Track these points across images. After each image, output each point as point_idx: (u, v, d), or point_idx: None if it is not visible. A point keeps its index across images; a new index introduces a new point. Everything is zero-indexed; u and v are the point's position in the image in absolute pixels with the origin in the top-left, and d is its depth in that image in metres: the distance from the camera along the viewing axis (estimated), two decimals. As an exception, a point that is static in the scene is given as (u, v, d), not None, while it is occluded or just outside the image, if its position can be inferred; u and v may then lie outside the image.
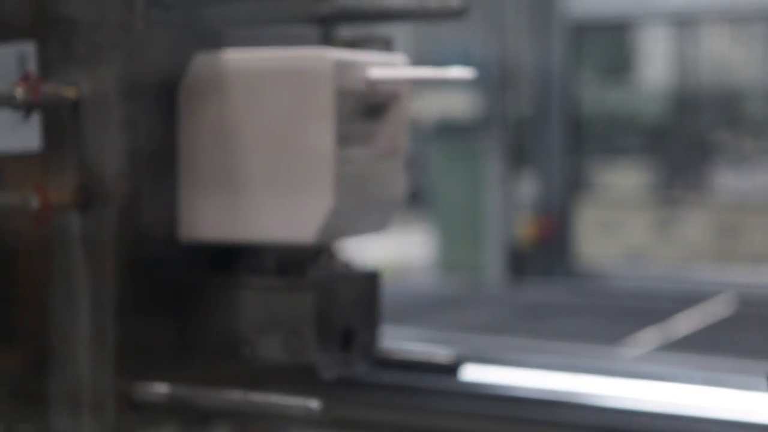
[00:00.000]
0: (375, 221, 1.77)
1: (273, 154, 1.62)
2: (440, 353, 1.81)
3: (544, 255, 8.12)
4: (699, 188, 9.40)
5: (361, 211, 1.71)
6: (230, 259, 1.72)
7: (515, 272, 8.34)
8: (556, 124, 8.23)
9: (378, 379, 1.76)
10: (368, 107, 1.69)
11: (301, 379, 1.67)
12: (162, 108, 1.63)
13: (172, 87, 1.64)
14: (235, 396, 1.59)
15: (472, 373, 1.82)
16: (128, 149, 1.59)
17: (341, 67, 1.61)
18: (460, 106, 9.04)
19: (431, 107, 8.84)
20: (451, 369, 1.82)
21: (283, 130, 1.62)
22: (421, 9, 1.79)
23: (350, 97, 1.64)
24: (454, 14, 1.76)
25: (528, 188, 8.39)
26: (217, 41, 1.66)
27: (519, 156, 8.21)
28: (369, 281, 1.75)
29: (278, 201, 1.63)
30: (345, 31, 1.83)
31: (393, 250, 8.60)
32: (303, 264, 1.69)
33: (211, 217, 1.66)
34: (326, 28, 1.79)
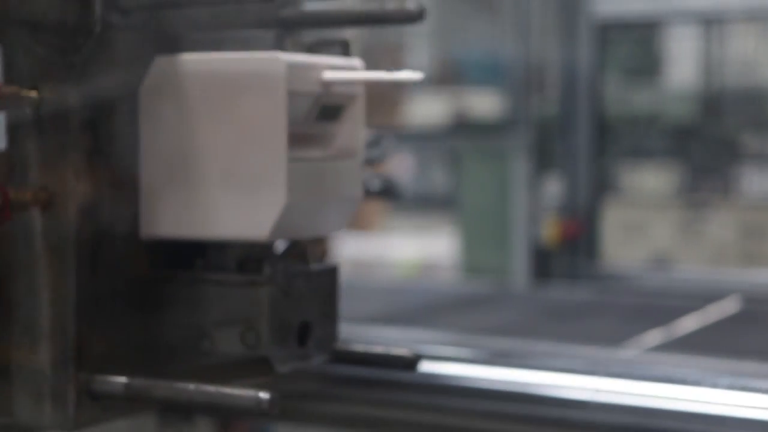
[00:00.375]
0: (332, 220, 1.82)
1: (229, 154, 1.68)
2: (399, 348, 1.86)
3: (570, 256, 8.13)
4: (725, 190, 9.35)
5: (316, 209, 1.76)
6: (193, 257, 1.78)
7: (540, 274, 8.33)
8: (582, 125, 8.23)
9: (332, 373, 1.81)
10: (324, 109, 1.74)
11: (259, 372, 1.73)
12: (122, 109, 1.69)
13: (131, 89, 1.69)
14: (188, 387, 1.64)
15: (430, 368, 1.86)
16: (88, 149, 1.65)
17: (294, 69, 1.67)
18: (485, 106, 9.06)
19: (455, 109, 8.87)
20: (409, 364, 1.86)
21: (237, 130, 1.67)
22: (380, 14, 1.83)
23: (304, 99, 1.70)
24: (412, 18, 1.80)
25: (554, 190, 8.41)
26: (176, 45, 1.71)
27: (545, 157, 8.22)
28: (327, 276, 1.80)
29: (234, 199, 1.68)
30: (308, 35, 1.88)
31: (419, 250, 8.65)
32: (262, 261, 1.74)
33: (171, 215, 1.72)
34: (287, 32, 1.84)
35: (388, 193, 2.12)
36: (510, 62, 8.26)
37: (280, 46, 1.70)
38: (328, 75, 1.71)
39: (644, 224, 8.96)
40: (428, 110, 9.21)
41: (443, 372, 1.92)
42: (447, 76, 10.15)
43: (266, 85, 1.65)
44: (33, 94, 1.64)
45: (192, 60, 1.70)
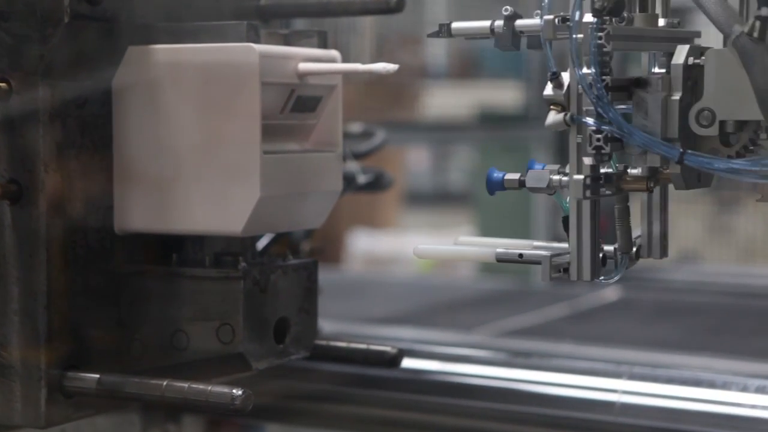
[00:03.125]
0: (310, 214, 1.78)
1: (202, 147, 1.65)
2: (380, 346, 1.83)
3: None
4: (753, 188, 9.23)
5: (293, 203, 1.73)
6: (169, 251, 1.75)
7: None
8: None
9: (311, 369, 1.78)
10: (300, 100, 1.70)
11: (235, 369, 1.70)
12: (92, 101, 1.66)
13: (102, 80, 1.67)
14: (160, 384, 1.61)
15: (412, 365, 1.83)
16: (58, 142, 1.62)
17: (268, 60, 1.63)
18: (506, 99, 8.98)
19: (475, 101, 8.80)
20: (391, 361, 1.83)
21: (211, 122, 1.64)
22: (359, 4, 1.80)
23: (279, 90, 1.67)
24: (391, 10, 1.77)
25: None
26: (148, 36, 1.68)
27: (566, 150, 8.16)
28: (305, 272, 1.77)
29: (207, 193, 1.66)
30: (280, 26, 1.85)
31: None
32: (238, 256, 1.71)
33: (144, 209, 1.69)
34: (263, 23, 1.81)
35: (376, 186, 2.08)
36: (530, 54, 8.18)
37: (255, 37, 1.67)
38: (304, 66, 1.68)
39: (671, 221, 8.87)
40: (448, 103, 9.14)
41: (426, 368, 1.89)
42: (466, 68, 10.07)
43: (239, 76, 1.62)
44: (2, 85, 1.61)
45: (165, 50, 1.67)
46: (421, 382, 1.91)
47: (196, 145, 1.65)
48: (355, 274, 5.84)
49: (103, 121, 1.68)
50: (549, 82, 1.46)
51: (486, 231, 8.86)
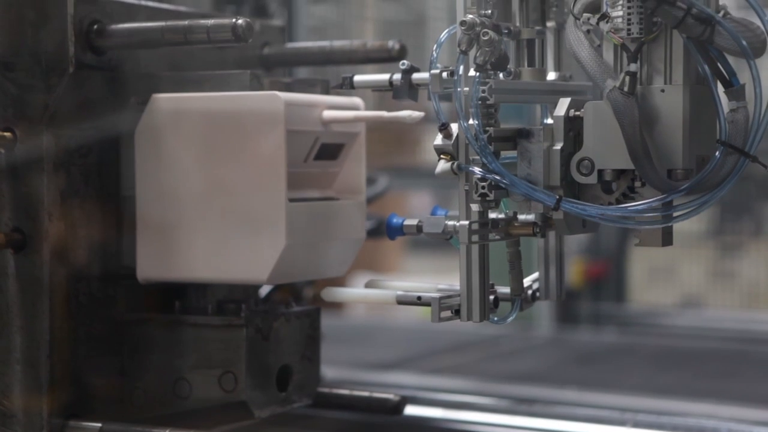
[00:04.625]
0: (334, 262, 1.75)
1: (227, 196, 1.64)
2: (383, 394, 1.83)
3: (595, 299, 8.03)
4: (756, 233, 9.24)
5: (317, 251, 1.71)
6: (172, 298, 1.75)
7: (565, 317, 8.20)
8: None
9: (314, 417, 1.78)
10: (323, 149, 1.70)
11: (238, 417, 1.69)
12: (96, 149, 1.67)
13: (105, 129, 1.67)
14: (162, 433, 1.61)
15: (415, 413, 1.83)
16: (62, 191, 1.63)
17: (294, 108, 1.62)
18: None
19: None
20: (394, 408, 1.82)
21: (236, 171, 1.63)
22: (363, 53, 1.82)
23: (303, 138, 1.66)
24: (393, 58, 1.78)
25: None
26: (152, 85, 1.69)
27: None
28: (308, 319, 1.77)
29: (232, 241, 1.63)
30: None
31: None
32: (241, 303, 1.71)
33: (168, 258, 1.66)
34: (267, 72, 1.82)
35: (379, 232, 2.08)
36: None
37: (258, 85, 1.68)
38: (328, 114, 1.67)
39: (673, 267, 8.87)
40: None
41: (429, 416, 1.89)
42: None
43: (265, 124, 1.61)
44: (7, 134, 1.62)
45: (189, 98, 1.66)
46: (424, 430, 1.91)
47: (221, 194, 1.64)
48: (358, 319, 5.82)
49: (107, 170, 1.69)
50: (439, 133, 1.51)
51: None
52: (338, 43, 1.85)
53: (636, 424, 1.90)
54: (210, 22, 1.58)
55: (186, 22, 1.60)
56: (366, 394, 1.83)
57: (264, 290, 1.85)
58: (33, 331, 1.62)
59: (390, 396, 1.83)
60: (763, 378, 4.05)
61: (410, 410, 1.86)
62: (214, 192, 1.64)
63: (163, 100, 1.67)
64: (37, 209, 1.62)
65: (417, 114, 1.64)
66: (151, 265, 1.68)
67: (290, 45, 1.87)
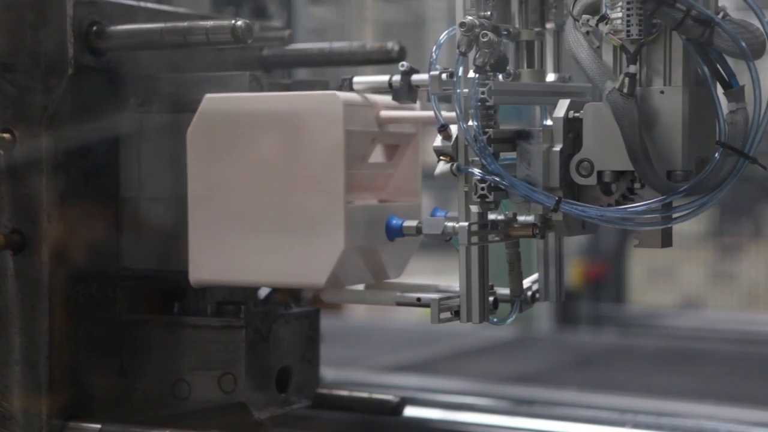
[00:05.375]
0: (390, 265, 1.71)
1: (283, 197, 1.60)
2: (382, 395, 1.83)
3: (594, 300, 8.02)
4: (756, 233, 9.23)
5: (374, 255, 1.67)
6: (171, 300, 1.75)
7: (564, 318, 8.19)
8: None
9: (314, 418, 1.78)
10: (380, 149, 1.67)
11: (237, 418, 1.69)
12: (95, 150, 1.67)
13: (104, 130, 1.67)
14: (161, 434, 1.61)
15: (414, 414, 1.83)
16: (61, 192, 1.63)
17: (352, 108, 1.59)
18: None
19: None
20: (394, 409, 1.82)
21: (292, 172, 1.59)
22: (362, 55, 1.82)
23: (361, 139, 1.62)
24: (393, 60, 1.78)
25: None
26: (151, 86, 1.69)
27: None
28: (307, 321, 1.77)
29: (288, 244, 1.59)
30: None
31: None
32: (240, 305, 1.71)
33: (221, 261, 1.63)
34: (267, 73, 1.82)
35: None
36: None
37: (257, 87, 1.67)
38: (386, 113, 1.64)
39: (672, 268, 8.86)
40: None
41: (428, 417, 1.89)
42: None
43: (323, 125, 1.57)
44: (6, 136, 1.62)
45: (245, 98, 1.63)
46: (424, 431, 1.91)
47: (277, 196, 1.60)
48: (358, 321, 5.82)
49: (106, 171, 1.69)
50: (438, 134, 1.50)
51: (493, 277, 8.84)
52: (337, 45, 1.85)
53: (635, 425, 1.90)
54: (209, 23, 1.58)
55: (185, 24, 1.60)
56: (365, 395, 1.84)
57: (263, 292, 1.85)
58: (32, 333, 1.62)
59: (389, 397, 1.83)
60: (763, 379, 4.05)
61: (410, 411, 1.86)
62: (269, 194, 1.60)
63: (217, 100, 1.63)
64: (37, 210, 1.62)
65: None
66: (204, 267, 1.64)
67: (290, 46, 1.87)
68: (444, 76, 1.51)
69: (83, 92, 1.64)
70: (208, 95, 1.63)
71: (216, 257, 1.63)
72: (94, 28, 1.62)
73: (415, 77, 1.59)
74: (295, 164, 1.59)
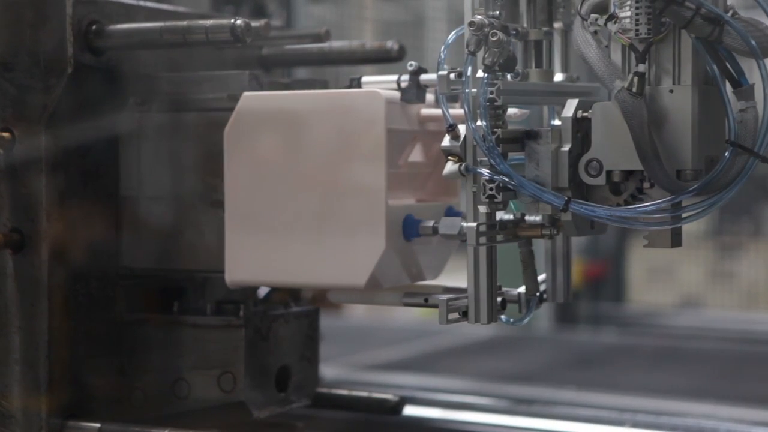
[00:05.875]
0: (429, 265, 1.70)
1: (322, 196, 1.58)
2: (381, 394, 1.83)
3: (593, 300, 8.02)
4: (755, 233, 9.23)
5: (414, 255, 1.64)
6: (170, 299, 1.75)
7: (564, 317, 8.19)
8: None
9: (313, 417, 1.78)
10: (419, 148, 1.65)
11: (236, 417, 1.69)
12: (94, 150, 1.67)
13: (104, 130, 1.67)
14: (161, 434, 1.61)
15: (414, 413, 1.83)
16: (60, 191, 1.63)
17: (393, 106, 1.57)
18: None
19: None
20: (393, 408, 1.82)
21: (331, 170, 1.57)
22: (361, 54, 1.82)
23: (401, 138, 1.60)
24: (393, 58, 1.78)
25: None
26: (150, 85, 1.69)
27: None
28: (306, 320, 1.77)
29: (327, 245, 1.57)
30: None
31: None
32: (240, 304, 1.71)
33: (259, 261, 1.60)
34: (266, 72, 1.82)
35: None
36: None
37: (257, 86, 1.67)
38: (426, 111, 1.62)
39: (672, 267, 8.85)
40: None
41: (428, 416, 1.89)
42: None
43: (364, 123, 1.55)
44: (6, 135, 1.62)
45: (284, 96, 1.62)
46: (423, 430, 1.91)
47: (316, 195, 1.58)
48: (357, 319, 5.82)
49: (106, 170, 1.69)
50: (447, 134, 1.49)
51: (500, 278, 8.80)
52: (337, 44, 1.85)
53: (635, 425, 1.90)
54: (209, 22, 1.58)
55: (185, 23, 1.60)
56: (365, 394, 1.84)
57: (263, 291, 1.85)
58: (32, 332, 1.62)
59: (389, 396, 1.83)
60: (762, 378, 4.04)
61: (409, 410, 1.86)
62: (308, 193, 1.58)
63: (255, 98, 1.61)
64: (36, 210, 1.62)
65: (523, 112, 1.62)
66: (241, 267, 1.62)
67: (289, 45, 1.87)
68: (452, 75, 1.50)
69: (83, 91, 1.64)
70: (246, 93, 1.61)
71: (253, 257, 1.61)
72: (94, 27, 1.62)
73: (423, 77, 1.58)
74: (334, 163, 1.56)
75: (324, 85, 1.75)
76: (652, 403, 3.10)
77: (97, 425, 1.63)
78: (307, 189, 1.58)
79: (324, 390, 1.83)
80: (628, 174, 1.46)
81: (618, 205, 1.47)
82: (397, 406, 1.83)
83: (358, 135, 1.55)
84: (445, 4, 6.20)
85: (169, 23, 1.61)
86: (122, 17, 1.66)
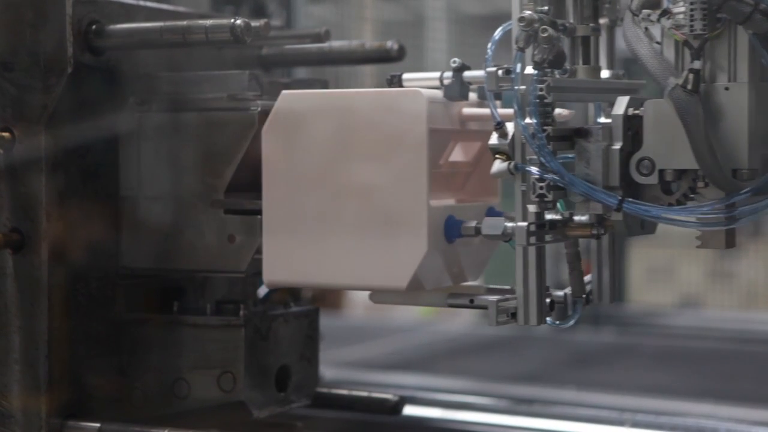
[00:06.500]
0: (470, 266, 1.67)
1: (363, 197, 1.56)
2: (381, 394, 1.83)
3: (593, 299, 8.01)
4: (755, 233, 9.23)
5: (455, 256, 1.62)
6: (170, 299, 1.75)
7: (563, 317, 8.14)
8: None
9: (313, 417, 1.78)
10: (460, 147, 1.64)
11: (236, 417, 1.70)
12: (94, 150, 1.67)
13: (103, 129, 1.68)
14: (160, 434, 1.61)
15: (413, 413, 1.83)
16: (60, 191, 1.63)
17: (435, 105, 1.55)
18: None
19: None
20: (393, 408, 1.83)
21: (373, 171, 1.55)
22: (361, 54, 1.82)
23: (442, 137, 1.58)
24: (392, 58, 1.79)
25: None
26: (150, 85, 1.69)
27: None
28: (306, 319, 1.77)
29: (368, 246, 1.55)
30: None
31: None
32: (240, 303, 1.71)
33: (298, 262, 1.59)
34: (266, 72, 1.82)
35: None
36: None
37: (257, 86, 1.67)
38: (468, 111, 1.60)
39: (671, 267, 8.85)
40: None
41: (427, 416, 1.89)
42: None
43: (406, 123, 1.53)
44: (5, 135, 1.62)
45: (323, 95, 1.60)
46: (423, 430, 1.91)
47: (356, 196, 1.56)
48: (357, 319, 5.83)
49: (106, 170, 1.69)
50: (494, 132, 1.48)
51: (495, 277, 8.82)
52: (337, 44, 1.85)
53: (635, 424, 1.90)
54: (208, 22, 1.58)
55: (184, 23, 1.60)
56: (365, 394, 1.84)
57: (262, 290, 1.85)
58: (32, 331, 1.62)
59: (389, 396, 1.83)
60: (762, 378, 4.04)
61: (409, 410, 1.87)
62: (348, 193, 1.56)
63: (294, 96, 1.59)
64: (36, 209, 1.62)
65: (568, 112, 1.59)
66: (279, 268, 1.59)
67: (289, 45, 1.87)
68: (500, 72, 1.48)
69: (83, 91, 1.64)
70: (284, 92, 1.59)
71: (291, 258, 1.58)
72: (94, 26, 1.62)
73: (467, 74, 1.56)
74: (375, 163, 1.54)
75: (324, 85, 1.76)
76: (652, 403, 3.10)
77: (97, 425, 1.63)
78: (347, 189, 1.56)
79: (324, 390, 1.83)
80: (680, 173, 1.43)
81: (669, 204, 1.44)
82: (396, 406, 1.83)
83: (399, 135, 1.53)
84: (445, 4, 6.20)
85: (169, 23, 1.61)
86: (122, 17, 1.66)
